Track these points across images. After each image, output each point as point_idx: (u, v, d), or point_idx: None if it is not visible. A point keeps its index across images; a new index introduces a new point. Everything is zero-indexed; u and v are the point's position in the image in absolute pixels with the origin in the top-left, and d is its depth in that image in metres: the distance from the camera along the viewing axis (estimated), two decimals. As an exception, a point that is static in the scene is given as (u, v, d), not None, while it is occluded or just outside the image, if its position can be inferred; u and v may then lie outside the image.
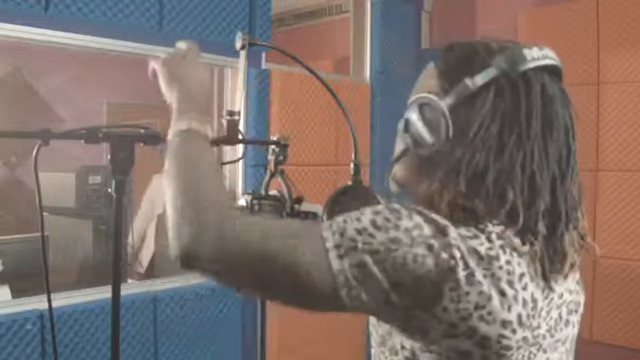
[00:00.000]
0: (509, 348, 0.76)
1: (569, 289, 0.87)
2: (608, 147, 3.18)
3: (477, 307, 0.74)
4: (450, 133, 0.83)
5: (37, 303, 2.15)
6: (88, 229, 2.76)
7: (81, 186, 2.73)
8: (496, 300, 0.75)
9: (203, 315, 2.62)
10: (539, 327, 0.80)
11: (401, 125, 0.89)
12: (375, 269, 0.73)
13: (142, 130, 1.25)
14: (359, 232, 0.75)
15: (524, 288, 0.78)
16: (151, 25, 2.43)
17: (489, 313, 0.74)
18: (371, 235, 0.75)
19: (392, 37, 3.58)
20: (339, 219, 0.78)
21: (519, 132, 0.81)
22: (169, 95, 1.06)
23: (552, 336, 0.83)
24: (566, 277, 0.85)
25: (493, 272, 0.75)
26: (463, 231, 0.76)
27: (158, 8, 2.45)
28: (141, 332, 2.44)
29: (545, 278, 0.81)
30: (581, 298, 0.91)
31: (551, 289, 0.82)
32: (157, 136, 1.24)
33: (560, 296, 0.85)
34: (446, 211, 0.80)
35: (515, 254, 0.78)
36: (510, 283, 0.76)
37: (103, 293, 2.28)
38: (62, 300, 2.23)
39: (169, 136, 0.94)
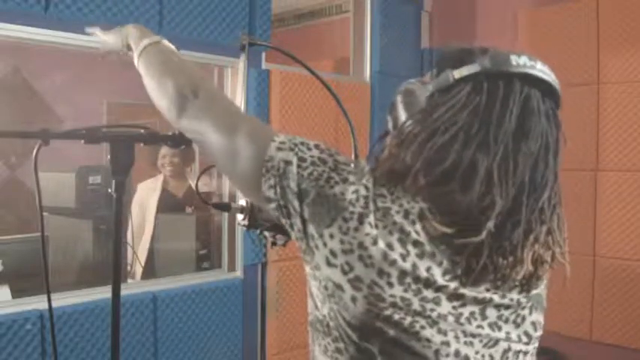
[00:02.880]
0: (381, 298, 0.79)
1: (509, 296, 0.84)
2: (608, 147, 3.18)
3: (360, 246, 0.79)
4: (420, 116, 0.87)
5: (37, 303, 2.15)
6: (88, 229, 2.76)
7: (81, 186, 2.73)
8: (380, 248, 0.78)
9: (203, 315, 2.62)
10: (437, 303, 0.79)
11: (388, 108, 0.96)
12: (295, 170, 0.84)
13: (142, 130, 1.25)
14: (302, 143, 0.88)
15: (420, 256, 0.79)
16: (150, 26, 2.43)
17: (369, 257, 0.79)
18: (308, 149, 0.87)
19: (392, 37, 3.58)
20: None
21: (487, 130, 0.81)
22: (119, 39, 1.18)
23: (460, 324, 0.81)
24: (513, 287, 0.83)
25: (386, 224, 0.79)
26: (379, 187, 0.83)
27: (158, 8, 2.45)
28: (141, 332, 2.44)
29: (466, 272, 0.80)
30: (532, 317, 0.87)
31: (465, 282, 0.81)
32: (157, 136, 1.25)
33: (481, 292, 0.82)
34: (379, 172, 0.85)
35: (425, 231, 0.80)
36: (402, 242, 0.79)
37: (103, 293, 2.29)
38: (62, 300, 2.23)
39: (136, 54, 1.12)
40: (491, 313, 0.83)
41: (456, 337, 0.81)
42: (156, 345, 2.48)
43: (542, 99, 0.87)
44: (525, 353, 0.87)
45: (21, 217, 3.54)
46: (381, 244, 0.79)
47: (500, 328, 0.83)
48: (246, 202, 1.23)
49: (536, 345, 0.89)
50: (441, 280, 0.80)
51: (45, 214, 1.26)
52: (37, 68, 3.84)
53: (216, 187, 3.08)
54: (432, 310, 0.79)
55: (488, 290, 0.82)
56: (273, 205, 0.86)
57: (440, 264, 0.80)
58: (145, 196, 3.43)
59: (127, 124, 1.28)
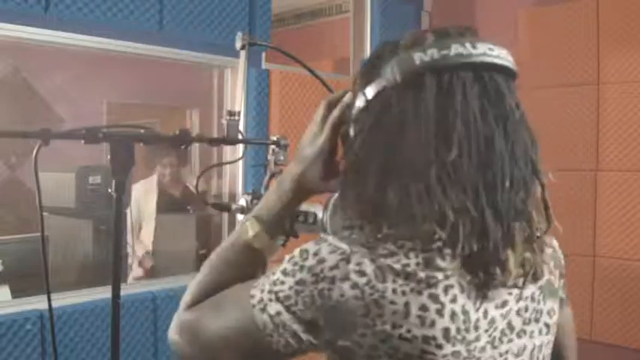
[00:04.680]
0: None
1: (524, 296, 0.81)
2: (608, 147, 3.18)
3: (395, 326, 0.72)
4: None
5: (37, 303, 2.15)
6: (88, 229, 2.76)
7: (81, 186, 2.73)
8: (414, 316, 0.72)
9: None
10: (477, 339, 0.75)
11: None
12: (288, 316, 0.75)
13: (142, 130, 1.25)
14: (274, 283, 0.78)
15: (453, 300, 0.73)
16: (150, 25, 2.43)
17: (408, 331, 0.72)
18: (282, 283, 0.77)
19: (392, 38, 3.57)
20: (264, 275, 0.82)
21: (410, 143, 0.75)
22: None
23: (495, 347, 0.77)
24: (516, 285, 0.79)
25: (412, 287, 0.72)
26: (377, 250, 0.74)
27: (158, 8, 2.45)
28: (141, 332, 2.44)
29: (478, 288, 0.75)
30: (546, 306, 0.85)
31: (485, 297, 0.76)
32: (157, 136, 1.24)
33: (504, 304, 0.78)
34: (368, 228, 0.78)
35: (441, 265, 0.74)
36: (434, 297, 0.72)
37: (103, 293, 2.28)
38: (62, 300, 2.23)
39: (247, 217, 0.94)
40: (517, 322, 0.80)
41: None
42: (156, 345, 2.48)
43: (465, 92, 0.75)
44: (548, 343, 0.86)
45: (21, 217, 3.53)
46: (414, 311, 0.72)
47: (525, 332, 0.81)
48: (246, 202, 1.23)
49: (555, 329, 0.87)
50: (473, 312, 0.75)
51: (45, 214, 1.25)
52: (37, 68, 3.84)
53: (215, 187, 3.09)
54: (475, 348, 0.75)
55: (505, 303, 0.78)
56: (299, 353, 0.79)
57: (462, 290, 0.75)
58: (142, 198, 3.44)
59: (127, 124, 1.28)
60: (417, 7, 3.88)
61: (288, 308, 0.76)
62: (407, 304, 0.72)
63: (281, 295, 0.76)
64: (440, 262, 0.73)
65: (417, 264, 0.73)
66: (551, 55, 3.32)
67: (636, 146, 3.09)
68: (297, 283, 0.75)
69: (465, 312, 0.74)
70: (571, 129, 3.24)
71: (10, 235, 2.63)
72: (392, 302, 0.72)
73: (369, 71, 0.81)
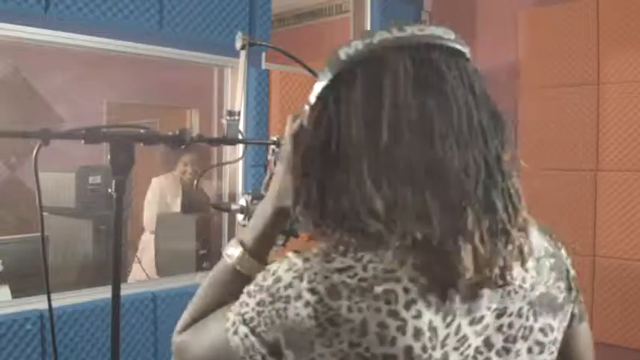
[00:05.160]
0: None
1: (508, 312, 0.75)
2: (608, 147, 3.18)
3: (352, 344, 0.68)
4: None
5: (37, 303, 2.15)
6: (88, 229, 2.76)
7: (81, 186, 2.73)
8: (372, 334, 0.67)
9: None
10: (445, 358, 0.70)
11: None
12: (254, 338, 0.73)
13: (142, 130, 1.25)
14: (240, 304, 0.76)
15: (417, 317, 0.68)
16: (150, 25, 2.43)
17: (367, 350, 0.68)
18: (246, 305, 0.75)
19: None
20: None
21: (343, 139, 0.73)
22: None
23: None
24: (483, 285, 0.72)
25: (369, 304, 0.68)
26: (333, 265, 0.70)
27: (158, 8, 2.45)
28: (141, 332, 2.44)
29: (443, 296, 0.70)
30: (538, 323, 0.77)
31: (455, 311, 0.71)
32: (157, 136, 1.24)
33: (480, 320, 0.73)
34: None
35: (402, 279, 0.69)
36: (393, 314, 0.68)
37: (103, 293, 2.28)
38: (62, 300, 2.23)
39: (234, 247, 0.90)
40: (497, 340, 0.75)
41: None
42: (156, 345, 2.48)
43: (396, 77, 0.72)
44: None
45: (21, 217, 3.54)
46: (372, 329, 0.67)
47: (507, 351, 0.75)
48: (246, 202, 1.23)
49: (555, 348, 0.80)
50: (442, 328, 0.70)
51: (45, 214, 1.25)
52: (37, 68, 3.84)
53: (215, 187, 3.09)
54: None
55: (481, 319, 0.73)
56: None
57: (428, 306, 0.69)
58: (168, 192, 3.47)
59: (127, 124, 1.28)
60: (417, 7, 3.88)
61: (253, 330, 0.73)
62: (364, 322, 0.68)
63: (246, 317, 0.74)
64: (396, 269, 0.69)
65: (375, 277, 0.69)
66: (551, 55, 3.32)
67: (636, 146, 3.09)
68: (258, 304, 0.73)
69: (433, 329, 0.69)
70: (571, 129, 3.24)
71: (10, 235, 2.64)
72: (348, 320, 0.68)
73: (315, 80, 0.80)
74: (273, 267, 0.75)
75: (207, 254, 3.10)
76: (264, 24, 2.83)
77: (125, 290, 2.17)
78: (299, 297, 0.70)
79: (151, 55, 2.53)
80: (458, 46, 0.76)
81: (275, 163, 1.35)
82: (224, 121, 1.32)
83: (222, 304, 0.83)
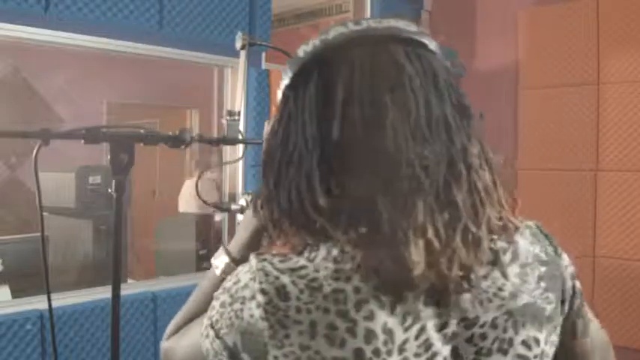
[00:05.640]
0: None
1: (481, 322, 0.70)
2: (608, 147, 3.18)
3: (302, 347, 0.66)
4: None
5: (37, 303, 2.15)
6: (88, 229, 2.76)
7: (81, 186, 2.73)
8: (321, 337, 0.65)
9: (203, 315, 2.62)
10: None
11: None
12: (218, 342, 0.72)
13: (142, 130, 1.24)
14: (211, 308, 0.75)
15: (368, 318, 0.66)
16: (150, 25, 2.43)
17: (317, 352, 0.66)
18: (213, 308, 0.74)
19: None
20: None
21: (297, 137, 0.73)
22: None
23: None
24: (438, 287, 0.68)
25: (318, 305, 0.66)
26: (286, 265, 0.69)
27: (158, 8, 2.45)
28: (141, 332, 2.44)
29: (399, 301, 0.67)
30: (520, 335, 0.71)
31: (416, 315, 0.67)
32: (157, 136, 1.24)
33: (444, 326, 0.69)
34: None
35: (352, 277, 0.66)
36: (343, 314, 0.65)
37: (103, 293, 2.28)
38: (62, 300, 2.23)
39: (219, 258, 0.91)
40: (467, 351, 0.70)
41: None
42: (156, 345, 2.48)
43: (352, 71, 0.71)
44: None
45: (21, 217, 3.54)
46: (321, 331, 0.65)
47: None
48: (246, 202, 1.23)
49: None
50: (400, 331, 0.67)
51: (45, 214, 1.25)
52: (37, 68, 3.84)
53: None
54: None
55: (446, 325, 0.69)
56: None
57: (382, 306, 0.66)
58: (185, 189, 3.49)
59: (127, 124, 1.28)
60: (417, 7, 3.88)
61: (217, 333, 0.72)
62: (313, 323, 0.66)
63: (213, 320, 0.73)
64: (346, 267, 0.67)
65: (325, 277, 0.67)
66: (551, 55, 3.33)
67: (636, 146, 3.09)
68: (221, 305, 0.72)
69: (388, 331, 0.66)
70: (571, 129, 3.25)
71: (10, 235, 2.64)
72: (296, 321, 0.66)
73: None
74: (238, 269, 0.74)
75: (207, 254, 3.10)
76: (264, 24, 2.83)
77: (125, 290, 2.17)
78: (252, 298, 0.68)
79: (151, 55, 2.53)
80: (419, 38, 0.74)
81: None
82: (224, 121, 1.32)
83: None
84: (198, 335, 0.77)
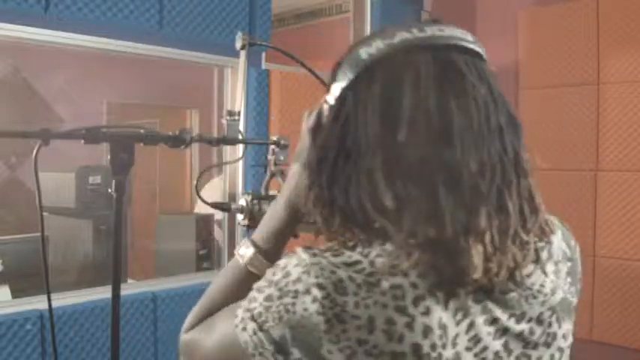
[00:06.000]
0: None
1: (527, 317, 0.73)
2: (608, 147, 3.18)
3: (360, 342, 0.67)
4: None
5: (37, 303, 2.15)
6: (88, 229, 2.76)
7: (81, 186, 2.73)
8: (379, 331, 0.67)
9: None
10: (457, 358, 0.69)
11: None
12: (262, 335, 0.72)
13: (142, 130, 1.24)
14: (249, 300, 0.75)
15: (426, 313, 0.67)
16: (150, 25, 2.43)
17: (375, 347, 0.67)
18: (254, 300, 0.74)
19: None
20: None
21: (360, 136, 0.73)
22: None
23: None
24: (490, 287, 0.71)
25: (376, 300, 0.67)
26: (340, 259, 0.70)
27: (158, 8, 2.45)
28: (141, 332, 2.44)
29: (451, 293, 0.69)
30: (562, 329, 0.77)
31: (466, 310, 0.70)
32: (157, 136, 1.24)
33: (494, 321, 0.71)
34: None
35: (410, 273, 0.68)
36: (401, 309, 0.67)
37: (103, 293, 2.29)
38: (62, 300, 2.24)
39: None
40: (515, 346, 0.73)
41: None
42: (156, 345, 2.48)
43: (418, 75, 0.73)
44: None
45: (21, 217, 3.54)
46: (380, 325, 0.67)
47: (528, 357, 0.74)
48: (246, 202, 1.23)
49: (568, 351, 0.80)
50: (452, 326, 0.69)
51: (45, 214, 1.25)
52: (37, 68, 3.84)
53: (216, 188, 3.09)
54: None
55: (496, 321, 0.72)
56: None
57: (437, 301, 0.68)
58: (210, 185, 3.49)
59: (127, 124, 1.28)
60: (417, 7, 3.88)
61: (260, 326, 0.72)
62: (371, 318, 0.67)
63: (255, 312, 0.73)
64: (403, 263, 0.68)
65: (382, 272, 0.68)
66: (551, 55, 3.33)
67: (636, 146, 3.09)
68: (266, 299, 0.72)
69: (443, 326, 0.68)
70: (571, 129, 3.25)
71: (10, 235, 2.64)
72: (355, 316, 0.67)
73: (330, 80, 0.80)
74: (282, 262, 0.74)
75: (207, 254, 3.10)
76: (264, 24, 2.83)
77: (125, 290, 2.17)
78: (307, 292, 0.69)
79: (151, 55, 2.53)
80: (476, 48, 0.76)
81: (275, 163, 1.35)
82: (224, 121, 1.32)
83: (231, 303, 0.83)
84: (229, 327, 0.76)
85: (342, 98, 0.77)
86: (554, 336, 0.76)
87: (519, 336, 0.73)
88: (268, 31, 2.87)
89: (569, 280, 0.80)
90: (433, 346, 0.67)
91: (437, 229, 0.68)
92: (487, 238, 0.69)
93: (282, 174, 1.33)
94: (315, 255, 0.71)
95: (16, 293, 2.29)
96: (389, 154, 0.71)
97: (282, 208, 0.88)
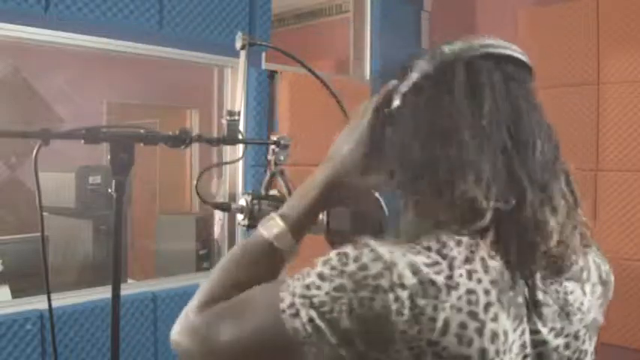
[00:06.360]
0: None
1: (565, 332, 0.78)
2: (608, 147, 3.18)
3: (431, 343, 0.68)
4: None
5: (37, 303, 2.15)
6: (88, 229, 2.76)
7: (81, 186, 2.73)
8: (452, 335, 0.68)
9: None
10: None
11: None
12: (322, 324, 0.70)
13: (142, 130, 1.24)
14: (307, 286, 0.73)
15: (494, 319, 0.70)
16: (150, 25, 2.43)
17: (444, 349, 0.69)
18: (318, 288, 0.72)
19: (392, 37, 3.58)
20: (294, 277, 0.76)
21: (445, 119, 0.78)
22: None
23: None
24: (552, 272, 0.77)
25: (452, 304, 0.69)
26: (420, 259, 0.71)
27: (158, 8, 2.45)
28: (141, 332, 2.44)
29: (514, 304, 0.73)
30: (591, 347, 0.82)
31: (521, 318, 0.74)
32: (157, 136, 1.24)
33: (536, 332, 0.76)
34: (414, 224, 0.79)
35: (483, 279, 0.71)
36: (473, 315, 0.69)
37: (103, 293, 2.28)
38: (62, 300, 2.23)
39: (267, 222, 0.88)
40: (551, 358, 0.77)
41: None
42: (156, 345, 2.48)
43: (490, 75, 0.80)
44: None
45: (21, 217, 3.54)
46: (453, 329, 0.68)
47: None
48: (246, 202, 1.23)
49: None
50: (511, 332, 0.72)
51: (45, 214, 1.25)
52: (37, 68, 3.84)
53: (215, 187, 3.09)
54: None
55: (537, 332, 0.76)
56: None
57: (503, 308, 0.72)
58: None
59: (127, 124, 1.28)
60: (417, 7, 3.88)
61: (322, 315, 0.70)
62: (446, 321, 0.68)
63: (316, 300, 0.71)
64: (477, 268, 0.71)
65: (460, 275, 0.70)
66: (551, 55, 3.32)
67: (636, 146, 3.09)
68: (336, 289, 0.70)
69: (505, 333, 0.71)
70: (571, 129, 3.24)
71: (10, 235, 2.64)
72: (431, 319, 0.68)
73: (403, 74, 0.85)
74: (350, 252, 0.73)
75: (207, 254, 3.10)
76: (264, 24, 2.83)
77: (125, 290, 2.17)
78: (390, 290, 0.69)
79: (151, 55, 2.53)
80: (531, 67, 0.84)
81: (275, 163, 1.35)
82: (224, 121, 1.32)
83: (250, 280, 0.80)
84: (273, 311, 0.73)
85: (419, 88, 0.82)
86: (585, 353, 0.80)
87: (555, 349, 0.77)
88: (268, 31, 2.87)
89: (600, 301, 0.84)
90: (497, 352, 0.70)
91: (519, 200, 0.74)
92: (560, 215, 0.76)
93: (282, 174, 1.33)
94: (392, 252, 0.71)
95: (16, 293, 2.29)
96: (477, 132, 0.76)
97: (318, 186, 0.88)
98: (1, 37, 2.10)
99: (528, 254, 0.74)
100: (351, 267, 0.71)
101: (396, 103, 0.85)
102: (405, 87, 0.84)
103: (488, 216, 0.73)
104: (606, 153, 3.18)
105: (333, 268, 0.72)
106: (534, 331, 0.75)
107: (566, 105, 3.27)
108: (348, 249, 0.73)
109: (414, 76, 0.83)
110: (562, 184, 0.79)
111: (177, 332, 0.84)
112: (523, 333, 0.74)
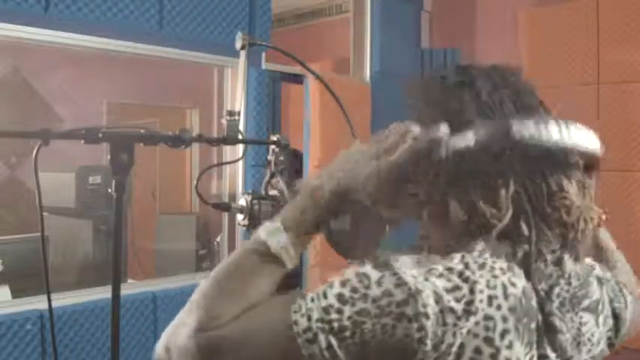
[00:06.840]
0: None
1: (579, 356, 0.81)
2: (608, 147, 3.17)
3: None
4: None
5: (37, 303, 2.15)
6: (88, 229, 2.76)
7: (81, 186, 2.73)
8: (466, 358, 0.69)
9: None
10: None
11: None
12: (341, 351, 0.68)
13: (142, 130, 1.24)
14: (326, 310, 0.69)
15: (509, 347, 0.71)
16: (150, 25, 2.43)
17: None
18: (338, 312, 0.69)
19: (392, 38, 3.58)
20: (308, 298, 0.71)
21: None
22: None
23: None
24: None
25: (469, 329, 0.69)
26: (442, 283, 0.70)
27: (158, 8, 2.45)
28: (141, 332, 2.44)
29: (527, 331, 0.74)
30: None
31: (531, 345, 0.75)
32: (157, 136, 1.24)
33: (543, 358, 0.77)
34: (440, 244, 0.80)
35: (502, 306, 0.71)
36: (489, 341, 0.70)
37: (103, 293, 2.28)
38: (62, 300, 2.23)
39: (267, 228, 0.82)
40: None
41: None
42: (156, 345, 2.48)
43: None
44: None
45: (21, 217, 3.54)
46: (468, 354, 0.69)
47: None
48: (246, 202, 1.23)
49: None
50: (522, 358, 0.73)
51: (45, 214, 1.25)
52: (37, 68, 3.84)
53: (215, 187, 3.09)
54: None
55: (544, 357, 0.78)
56: None
57: (518, 336, 0.72)
58: None
59: (127, 124, 1.28)
60: (417, 7, 3.88)
61: (341, 341, 0.68)
62: (462, 346, 0.69)
63: (336, 325, 0.68)
64: (498, 293, 0.71)
65: (480, 300, 0.70)
66: (551, 55, 3.32)
67: (636, 146, 3.09)
68: (359, 313, 0.68)
69: (517, 359, 0.72)
70: (571, 129, 3.24)
71: (10, 235, 2.64)
72: (449, 345, 0.68)
73: (457, 124, 0.81)
74: (372, 275, 0.70)
75: (207, 254, 3.10)
76: (264, 24, 2.83)
77: (125, 290, 2.17)
78: (414, 320, 0.67)
79: (151, 55, 2.53)
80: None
81: (275, 163, 1.35)
82: (224, 121, 1.32)
83: (247, 295, 0.75)
84: (282, 335, 0.70)
85: (474, 155, 0.80)
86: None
87: None
88: (268, 31, 2.87)
89: (609, 333, 0.90)
90: None
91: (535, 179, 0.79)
92: (573, 186, 0.82)
93: (282, 174, 1.33)
94: (415, 277, 0.70)
95: (16, 293, 2.29)
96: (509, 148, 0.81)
97: (327, 196, 0.80)
98: (1, 37, 2.10)
99: (544, 226, 0.77)
100: (375, 291, 0.69)
101: (442, 154, 0.78)
102: (458, 143, 0.78)
103: (508, 215, 0.76)
104: (606, 153, 3.17)
105: (354, 290, 0.69)
106: (543, 356, 0.76)
107: (566, 105, 3.27)
108: (368, 269, 0.71)
109: (470, 139, 0.79)
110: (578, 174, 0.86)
111: (176, 354, 0.79)
112: (531, 359, 0.75)
